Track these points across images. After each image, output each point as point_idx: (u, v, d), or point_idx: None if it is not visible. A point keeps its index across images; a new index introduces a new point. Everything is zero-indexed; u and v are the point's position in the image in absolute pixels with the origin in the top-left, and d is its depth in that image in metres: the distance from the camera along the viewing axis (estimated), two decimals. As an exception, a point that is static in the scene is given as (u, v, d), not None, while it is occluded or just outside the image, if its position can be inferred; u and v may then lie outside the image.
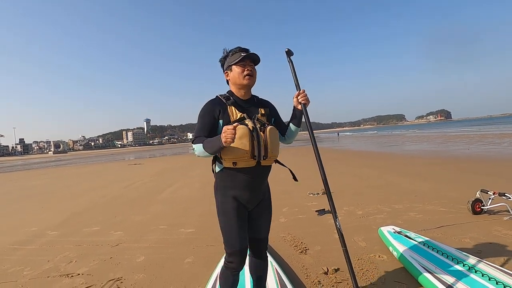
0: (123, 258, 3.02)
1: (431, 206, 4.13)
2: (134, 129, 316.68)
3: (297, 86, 1.75)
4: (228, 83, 1.71)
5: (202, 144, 1.51)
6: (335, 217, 1.65)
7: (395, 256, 2.51)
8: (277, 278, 2.13)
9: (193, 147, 1.55)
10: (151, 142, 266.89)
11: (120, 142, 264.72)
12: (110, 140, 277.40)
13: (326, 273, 2.38)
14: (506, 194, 3.35)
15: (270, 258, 2.47)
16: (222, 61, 1.71)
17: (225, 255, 1.64)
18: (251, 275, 1.88)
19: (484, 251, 2.60)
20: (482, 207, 3.57)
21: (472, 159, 9.33)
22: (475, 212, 3.56)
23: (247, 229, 1.68)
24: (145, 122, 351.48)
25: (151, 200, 6.17)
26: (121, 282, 2.48)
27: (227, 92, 1.69)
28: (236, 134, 1.42)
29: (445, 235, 3.01)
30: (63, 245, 3.55)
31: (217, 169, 1.63)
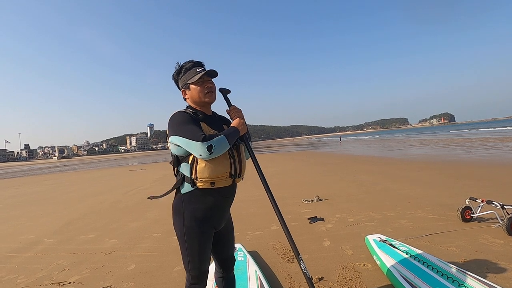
0: (115, 266, 3.09)
1: (422, 213, 4.15)
2: (137, 134, 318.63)
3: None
4: (185, 100, 1.60)
5: (223, 136, 1.37)
6: (299, 260, 1.52)
7: (379, 265, 2.54)
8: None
9: (210, 144, 1.30)
10: (154, 147, 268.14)
11: (124, 147, 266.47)
12: (114, 145, 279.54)
13: (309, 282, 2.42)
14: (493, 202, 3.37)
15: (255, 267, 2.52)
16: (175, 77, 1.59)
17: (187, 278, 1.55)
18: None
19: (469, 259, 2.62)
20: (471, 215, 3.59)
21: (471, 164, 9.31)
22: (465, 220, 3.58)
23: (214, 249, 1.67)
24: (148, 127, 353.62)
25: (148, 206, 6.24)
26: (110, 291, 2.54)
27: (188, 108, 1.57)
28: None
29: (431, 244, 3.03)
30: (58, 253, 3.62)
31: (186, 190, 1.48)
